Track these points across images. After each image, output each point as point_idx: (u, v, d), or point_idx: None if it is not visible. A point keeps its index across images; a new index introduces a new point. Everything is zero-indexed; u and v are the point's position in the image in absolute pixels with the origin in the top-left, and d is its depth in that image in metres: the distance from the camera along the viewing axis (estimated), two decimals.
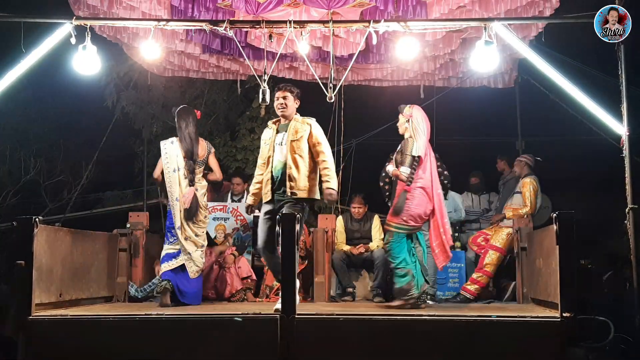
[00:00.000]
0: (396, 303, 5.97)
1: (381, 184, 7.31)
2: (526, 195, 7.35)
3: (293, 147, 5.88)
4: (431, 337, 5.05)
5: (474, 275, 7.24)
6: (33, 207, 12.07)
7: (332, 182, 5.88)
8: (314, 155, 5.95)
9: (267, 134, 6.11)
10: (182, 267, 6.34)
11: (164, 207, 10.12)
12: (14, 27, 6.25)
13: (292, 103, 6.02)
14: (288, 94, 6.00)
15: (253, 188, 6.19)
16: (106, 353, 5.12)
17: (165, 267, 6.31)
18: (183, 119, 6.48)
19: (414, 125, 6.05)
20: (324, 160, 5.92)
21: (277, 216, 5.38)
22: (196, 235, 6.43)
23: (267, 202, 5.99)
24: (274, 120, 6.18)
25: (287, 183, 5.83)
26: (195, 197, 6.39)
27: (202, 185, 6.53)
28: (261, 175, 6.08)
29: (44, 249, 5.54)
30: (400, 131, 6.18)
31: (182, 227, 6.35)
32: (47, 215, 11.35)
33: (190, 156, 6.41)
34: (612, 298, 7.43)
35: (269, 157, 5.98)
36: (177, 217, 6.35)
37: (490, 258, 7.22)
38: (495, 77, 8.61)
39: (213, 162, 6.66)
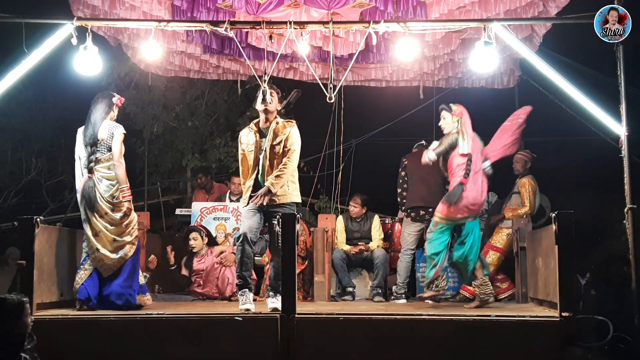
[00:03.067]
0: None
1: (399, 190, 7.33)
2: (525, 196, 7.34)
3: (273, 153, 5.65)
4: (431, 337, 5.08)
5: None
6: (34, 207, 12.05)
7: (276, 184, 5.55)
8: (284, 154, 5.67)
9: (250, 138, 5.76)
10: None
11: (164, 207, 10.25)
12: (15, 28, 6.25)
13: (276, 103, 5.78)
14: (274, 93, 5.76)
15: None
16: (106, 353, 5.15)
17: (78, 281, 5.75)
18: (94, 104, 6.00)
19: (463, 123, 6.19)
20: (287, 164, 5.59)
21: (277, 216, 5.41)
22: (107, 229, 5.74)
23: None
24: (255, 121, 5.89)
25: None
26: (88, 187, 5.74)
27: (110, 175, 5.79)
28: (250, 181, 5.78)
29: (45, 249, 5.56)
30: (447, 130, 6.24)
31: (89, 221, 5.75)
32: (48, 215, 11.34)
33: (91, 142, 5.82)
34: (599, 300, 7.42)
35: (254, 164, 5.71)
36: (82, 211, 5.80)
37: (491, 258, 7.23)
38: (495, 77, 8.61)
39: (114, 146, 5.82)
